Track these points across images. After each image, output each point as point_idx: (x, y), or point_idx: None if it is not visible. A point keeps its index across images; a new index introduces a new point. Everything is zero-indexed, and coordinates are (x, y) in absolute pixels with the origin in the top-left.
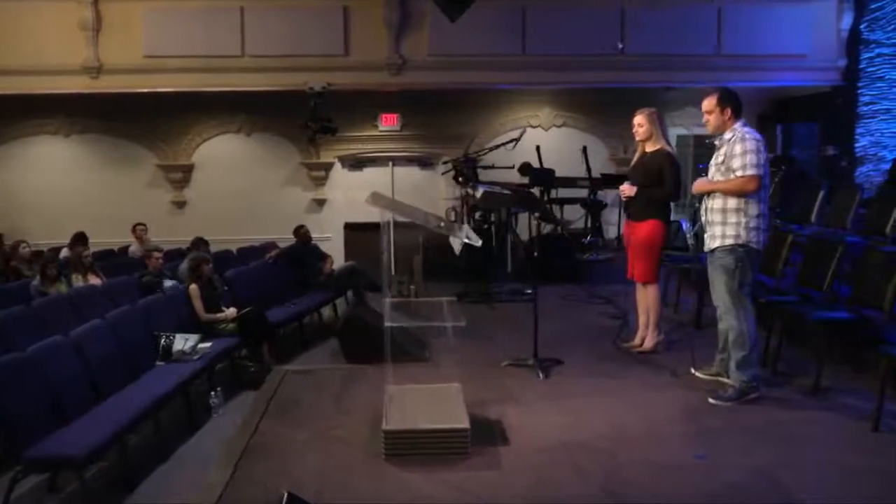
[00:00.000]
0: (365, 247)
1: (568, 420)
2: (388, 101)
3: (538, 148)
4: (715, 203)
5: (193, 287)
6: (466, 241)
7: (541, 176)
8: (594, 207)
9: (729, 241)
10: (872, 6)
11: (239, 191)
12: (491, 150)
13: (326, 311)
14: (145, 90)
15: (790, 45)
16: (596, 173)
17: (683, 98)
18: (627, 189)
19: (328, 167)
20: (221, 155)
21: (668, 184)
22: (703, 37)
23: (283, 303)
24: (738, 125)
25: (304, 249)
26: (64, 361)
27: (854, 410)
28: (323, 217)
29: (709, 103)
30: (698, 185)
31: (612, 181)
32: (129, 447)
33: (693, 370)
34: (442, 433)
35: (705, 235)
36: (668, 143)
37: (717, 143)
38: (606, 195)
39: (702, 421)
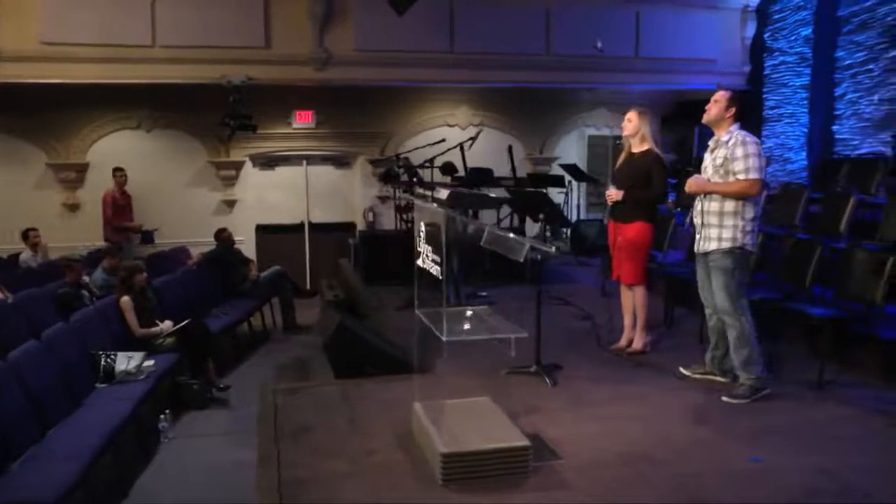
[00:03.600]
0: (278, 249)
1: (603, 429)
2: (303, 98)
3: (462, 147)
4: (712, 205)
5: (125, 299)
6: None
7: (479, 176)
8: None
9: (726, 245)
10: (775, 17)
11: (140, 192)
12: (450, 149)
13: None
14: (41, 81)
15: (701, 50)
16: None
17: (597, 99)
18: (614, 194)
19: (238, 166)
20: (119, 153)
21: (656, 185)
22: (622, 40)
23: (210, 312)
24: (734, 127)
25: (228, 254)
26: (4, 390)
27: (865, 405)
28: (233, 219)
29: (721, 95)
30: (694, 185)
31: (539, 181)
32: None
33: (682, 369)
34: (503, 453)
35: (698, 237)
36: (657, 144)
37: (710, 144)
38: None
39: (734, 424)
